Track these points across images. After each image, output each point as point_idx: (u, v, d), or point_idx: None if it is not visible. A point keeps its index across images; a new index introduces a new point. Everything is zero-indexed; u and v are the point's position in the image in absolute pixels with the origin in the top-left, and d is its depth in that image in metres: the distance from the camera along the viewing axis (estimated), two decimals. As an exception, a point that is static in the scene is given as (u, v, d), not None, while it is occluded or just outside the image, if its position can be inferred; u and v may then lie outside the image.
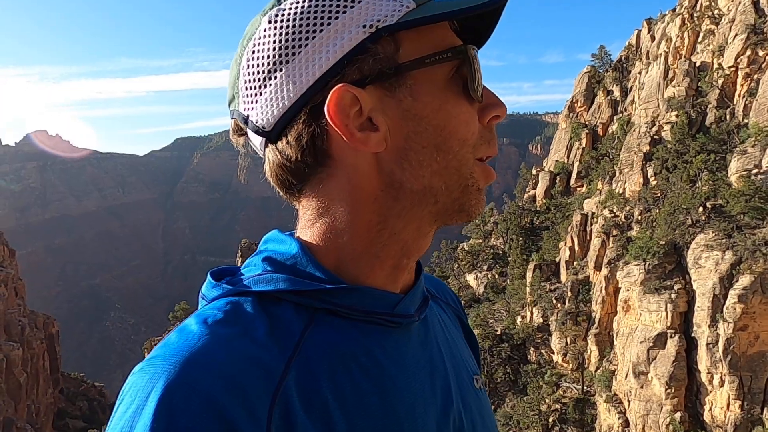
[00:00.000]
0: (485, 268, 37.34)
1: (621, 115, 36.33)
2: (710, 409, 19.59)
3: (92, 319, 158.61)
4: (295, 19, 0.64)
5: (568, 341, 26.52)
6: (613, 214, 27.88)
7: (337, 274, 0.67)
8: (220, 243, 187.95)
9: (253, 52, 0.66)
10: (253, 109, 0.67)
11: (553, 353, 27.48)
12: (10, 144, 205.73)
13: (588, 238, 28.82)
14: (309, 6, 0.64)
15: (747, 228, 20.43)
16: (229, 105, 0.71)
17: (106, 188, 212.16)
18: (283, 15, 0.65)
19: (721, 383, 19.05)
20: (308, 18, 0.64)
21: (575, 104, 42.59)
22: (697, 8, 32.52)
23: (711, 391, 19.52)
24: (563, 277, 29.69)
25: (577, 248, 29.34)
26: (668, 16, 36.68)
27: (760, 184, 21.22)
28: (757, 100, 24.27)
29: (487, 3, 0.64)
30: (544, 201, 37.50)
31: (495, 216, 41.99)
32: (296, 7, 0.64)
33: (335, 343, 0.64)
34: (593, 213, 29.51)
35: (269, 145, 0.68)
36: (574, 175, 37.67)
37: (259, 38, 0.66)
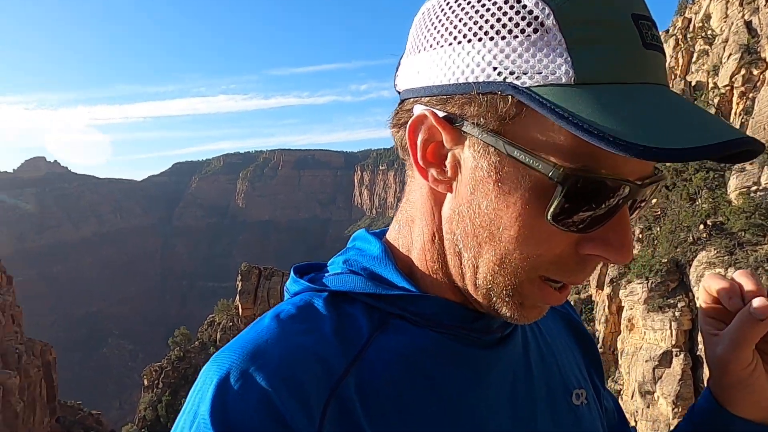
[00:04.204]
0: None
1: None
2: (719, 429, 19.29)
3: (89, 347, 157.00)
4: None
5: (572, 362, 26.25)
6: (613, 233, 27.89)
7: (413, 281, 0.66)
8: (219, 268, 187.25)
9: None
10: None
11: (557, 375, 27.17)
12: (8, 170, 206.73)
13: (589, 257, 28.79)
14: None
15: (748, 245, 20.36)
16: None
17: (103, 214, 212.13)
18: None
19: (729, 403, 18.80)
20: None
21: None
22: (690, 29, 32.97)
23: (719, 411, 19.25)
24: (565, 297, 29.55)
25: (578, 268, 29.24)
26: (662, 37, 37.23)
27: (759, 201, 21.22)
28: (753, 118, 24.41)
29: (693, 151, 0.47)
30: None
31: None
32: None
33: (402, 351, 0.62)
34: (593, 232, 29.51)
35: None
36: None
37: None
